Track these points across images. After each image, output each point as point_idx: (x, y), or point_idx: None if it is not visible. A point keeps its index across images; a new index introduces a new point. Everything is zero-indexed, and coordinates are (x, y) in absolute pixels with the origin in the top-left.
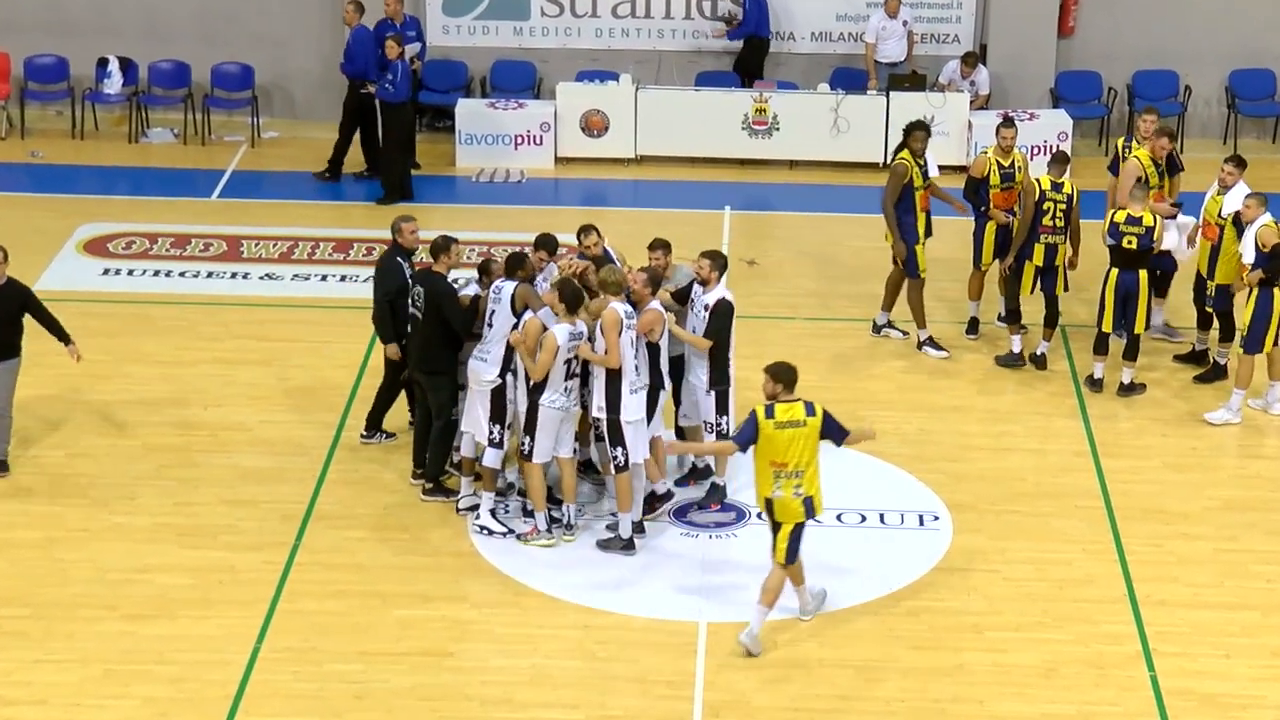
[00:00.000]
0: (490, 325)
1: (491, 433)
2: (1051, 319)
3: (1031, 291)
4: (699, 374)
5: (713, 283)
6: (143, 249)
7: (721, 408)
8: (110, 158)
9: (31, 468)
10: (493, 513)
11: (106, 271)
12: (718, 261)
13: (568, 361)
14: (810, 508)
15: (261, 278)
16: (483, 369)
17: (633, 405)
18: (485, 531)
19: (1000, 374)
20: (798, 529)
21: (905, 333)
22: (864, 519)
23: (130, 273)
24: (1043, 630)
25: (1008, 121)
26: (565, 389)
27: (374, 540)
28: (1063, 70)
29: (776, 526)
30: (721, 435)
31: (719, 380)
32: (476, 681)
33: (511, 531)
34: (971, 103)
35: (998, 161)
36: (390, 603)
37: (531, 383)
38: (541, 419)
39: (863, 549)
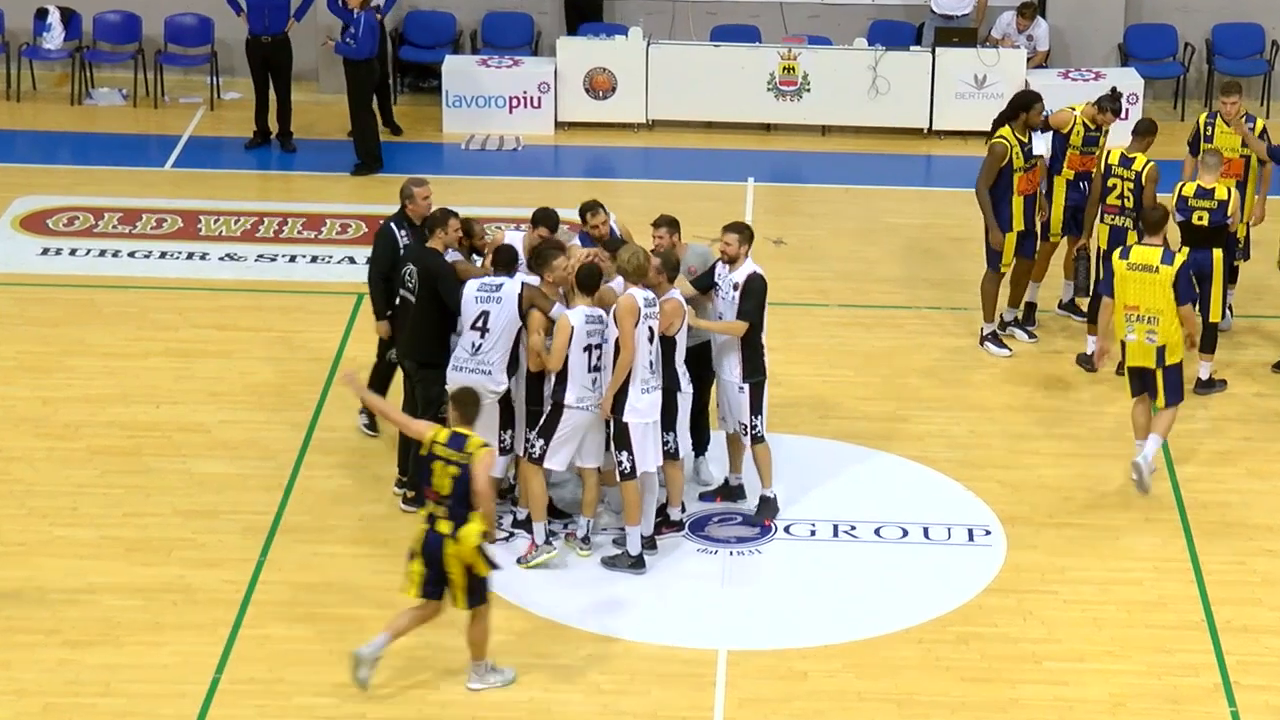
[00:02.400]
0: (486, 330)
1: (502, 440)
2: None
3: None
4: (731, 368)
5: (741, 258)
6: (87, 225)
7: (756, 405)
8: (50, 122)
9: None
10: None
11: (46, 251)
12: (744, 234)
13: (587, 349)
14: (1161, 357)
15: (222, 258)
16: (488, 381)
17: (644, 406)
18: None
19: (1061, 369)
20: (1139, 373)
21: (1034, 336)
22: (906, 534)
23: (73, 252)
24: (1109, 660)
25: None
26: (592, 383)
27: (349, 556)
28: (1132, 23)
29: (1120, 368)
30: (756, 438)
31: (753, 371)
32: (464, 716)
33: (512, 535)
34: (1028, 60)
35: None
36: (368, 627)
37: (551, 379)
38: (565, 422)
39: (905, 567)
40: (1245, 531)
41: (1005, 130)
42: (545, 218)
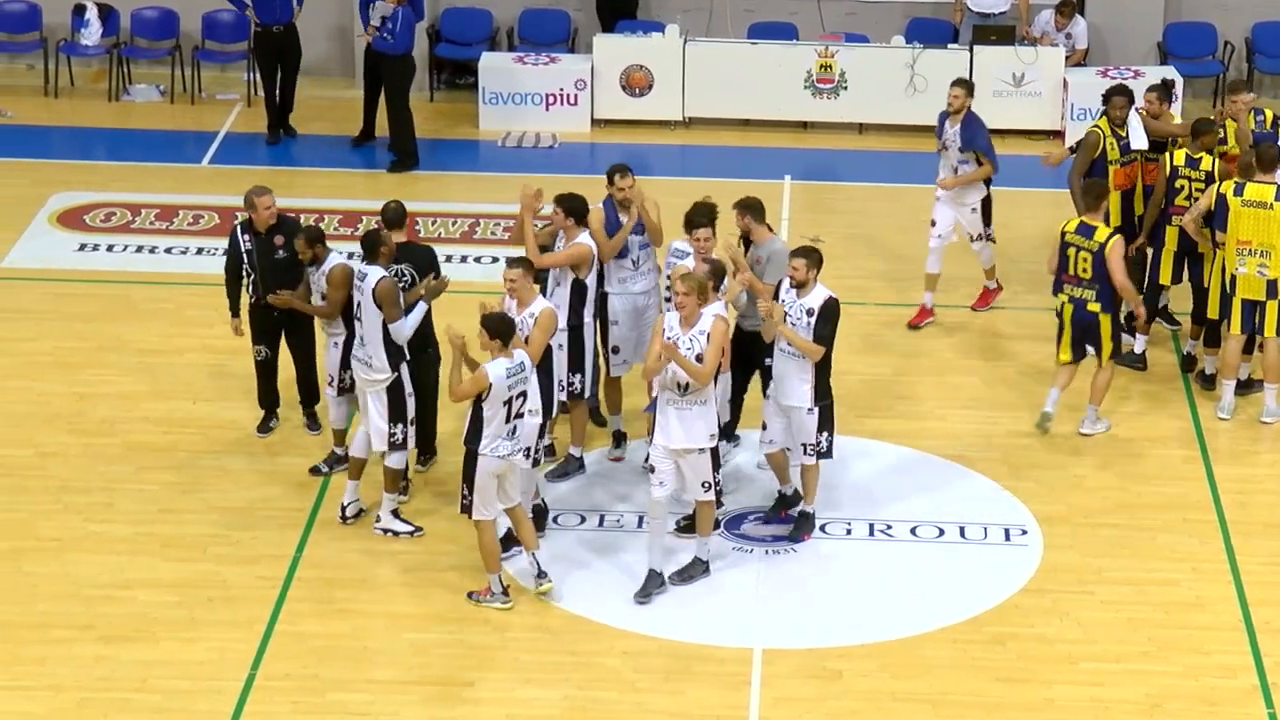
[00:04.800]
0: (358, 320)
1: (393, 433)
2: (1200, 314)
3: (1175, 281)
4: (798, 390)
5: (810, 283)
6: (124, 221)
7: (825, 423)
8: (88, 118)
9: None
10: (395, 513)
11: (83, 247)
12: (812, 259)
13: (507, 402)
14: (1273, 289)
15: None
16: (369, 371)
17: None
18: (390, 534)
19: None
20: (1250, 306)
21: (1176, 323)
22: (942, 533)
23: (109, 248)
24: (1146, 661)
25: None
26: (510, 432)
27: (384, 553)
28: (1172, 21)
29: (1225, 302)
30: (822, 454)
31: (824, 394)
32: (500, 715)
33: (419, 529)
34: (1067, 58)
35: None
36: (402, 624)
37: (468, 424)
38: (481, 470)
39: (940, 567)
40: None
41: (1101, 121)
42: (574, 205)
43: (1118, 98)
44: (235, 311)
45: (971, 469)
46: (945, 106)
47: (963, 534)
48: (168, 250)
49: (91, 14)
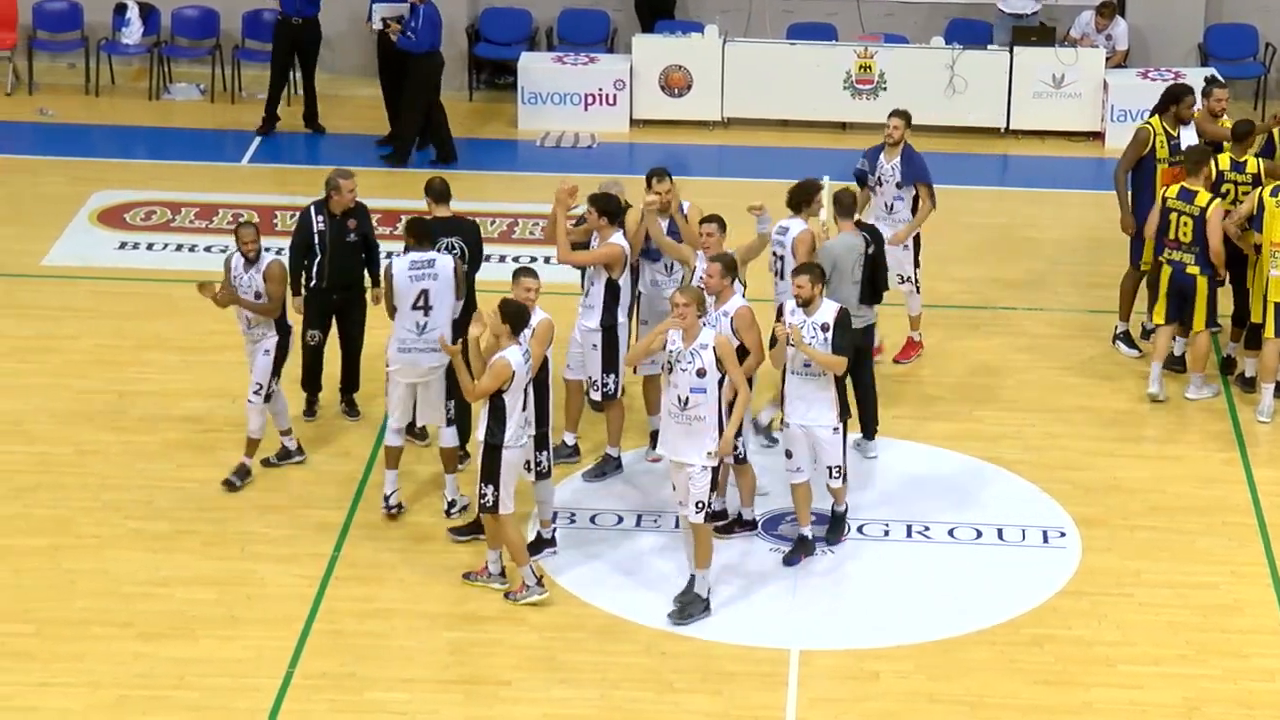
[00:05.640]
0: (430, 307)
1: (449, 409)
2: (1241, 317)
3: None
4: (822, 410)
5: (816, 299)
6: (164, 220)
7: (846, 444)
8: (128, 117)
9: (35, 465)
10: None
11: (123, 245)
12: (816, 274)
13: (526, 389)
14: None
15: None
16: (432, 358)
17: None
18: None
19: (1136, 371)
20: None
21: (1140, 352)
22: (980, 535)
23: (150, 246)
24: (1184, 664)
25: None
26: (527, 421)
27: (422, 552)
28: (1213, 23)
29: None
30: (844, 478)
31: (845, 410)
32: (536, 714)
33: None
34: (1107, 59)
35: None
36: (440, 624)
37: (486, 421)
38: (506, 464)
39: (979, 569)
40: None
41: (1154, 119)
42: (606, 202)
43: (1189, 97)
44: (296, 290)
45: (1010, 471)
46: (884, 138)
47: (1001, 536)
48: (207, 249)
49: (133, 13)
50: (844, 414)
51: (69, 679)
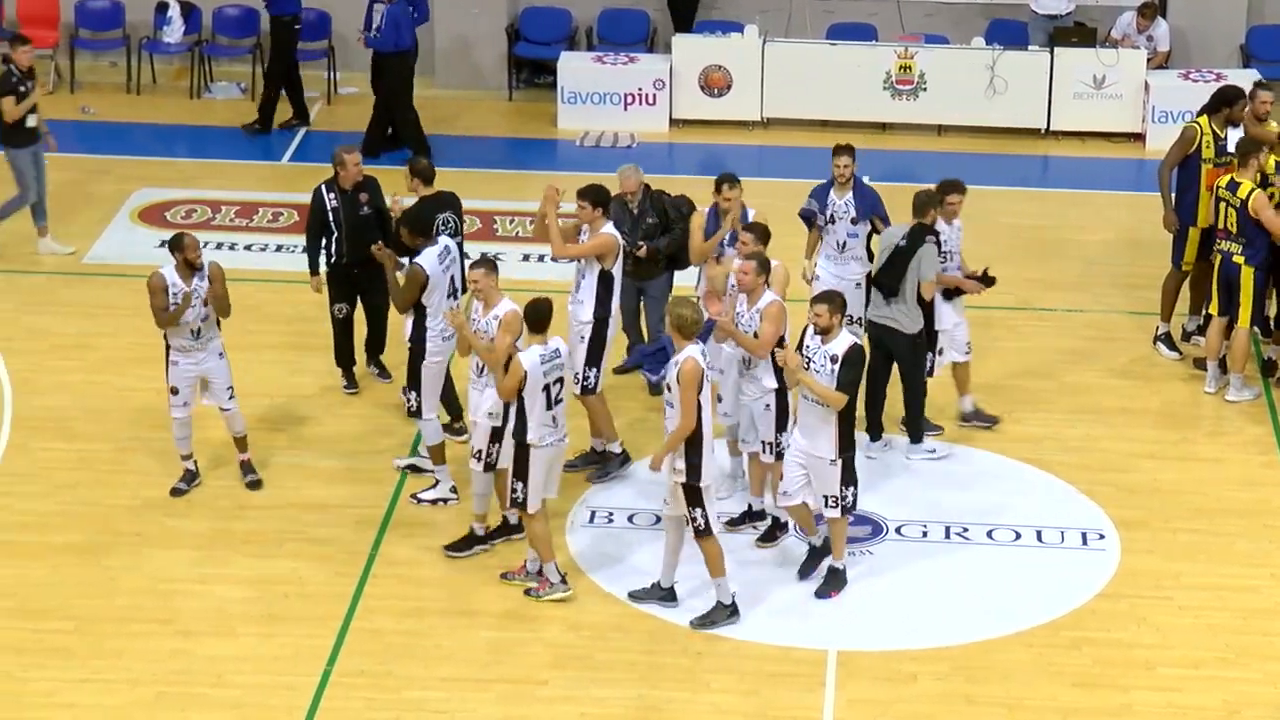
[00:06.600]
0: (457, 291)
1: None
2: None
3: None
4: (822, 440)
5: (835, 328)
6: (204, 218)
7: (849, 477)
8: (169, 115)
9: (75, 463)
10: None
11: (164, 243)
12: (836, 303)
13: (545, 388)
14: None
15: None
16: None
17: (714, 464)
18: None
19: (1177, 373)
20: None
21: (1180, 354)
22: (1019, 536)
23: None
24: (1224, 667)
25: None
26: (553, 420)
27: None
28: (1255, 24)
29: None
30: (846, 509)
31: (847, 445)
32: (573, 713)
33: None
34: (1149, 60)
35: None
36: (477, 622)
37: (511, 420)
38: (534, 462)
39: (1017, 571)
40: None
41: (1202, 119)
42: (596, 194)
43: (1243, 100)
44: (315, 269)
45: (1049, 472)
46: (835, 176)
47: (1040, 538)
48: (247, 247)
49: (174, 12)
50: (845, 448)
51: (108, 676)
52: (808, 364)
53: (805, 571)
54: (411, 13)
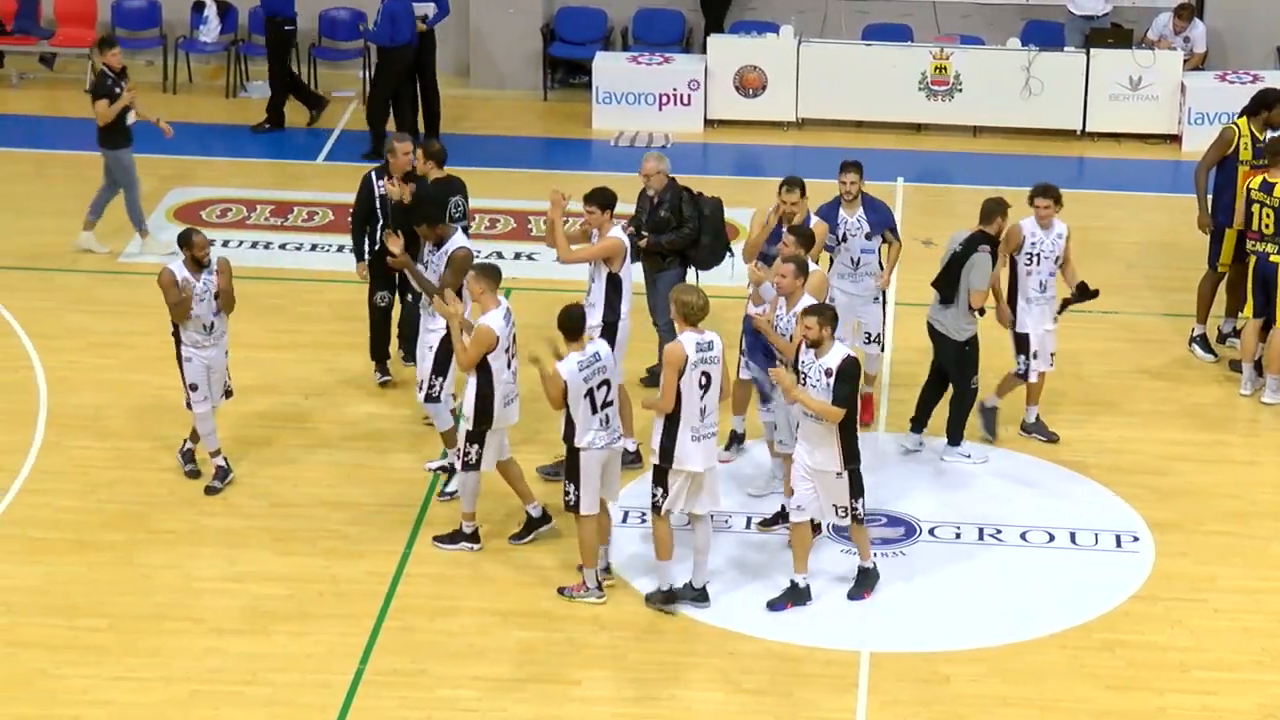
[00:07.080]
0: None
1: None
2: None
3: None
4: (825, 457)
5: (826, 341)
6: (239, 217)
7: (856, 489)
8: (205, 114)
9: (109, 461)
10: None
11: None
12: (826, 316)
13: (588, 394)
14: None
15: None
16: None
17: (696, 455)
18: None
19: (1211, 375)
20: None
21: (1215, 355)
22: (1052, 538)
23: (225, 244)
24: (1259, 671)
25: None
26: (601, 422)
27: (492, 550)
28: None
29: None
30: (858, 520)
31: (851, 457)
32: (606, 714)
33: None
34: (1185, 62)
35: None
36: (510, 622)
37: (564, 426)
38: (586, 465)
39: (1051, 573)
40: None
41: (1241, 120)
42: (602, 197)
43: None
44: (360, 256)
45: (1083, 474)
46: (841, 194)
47: (1073, 540)
48: (282, 246)
49: (210, 11)
50: (849, 460)
51: (143, 673)
52: (803, 380)
53: (776, 603)
54: (414, 8)
